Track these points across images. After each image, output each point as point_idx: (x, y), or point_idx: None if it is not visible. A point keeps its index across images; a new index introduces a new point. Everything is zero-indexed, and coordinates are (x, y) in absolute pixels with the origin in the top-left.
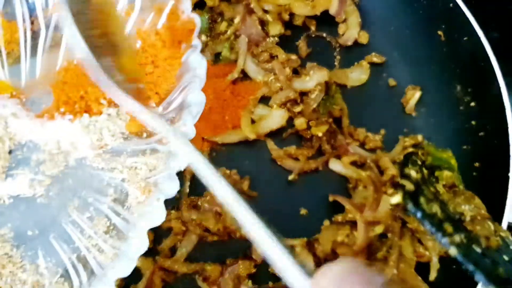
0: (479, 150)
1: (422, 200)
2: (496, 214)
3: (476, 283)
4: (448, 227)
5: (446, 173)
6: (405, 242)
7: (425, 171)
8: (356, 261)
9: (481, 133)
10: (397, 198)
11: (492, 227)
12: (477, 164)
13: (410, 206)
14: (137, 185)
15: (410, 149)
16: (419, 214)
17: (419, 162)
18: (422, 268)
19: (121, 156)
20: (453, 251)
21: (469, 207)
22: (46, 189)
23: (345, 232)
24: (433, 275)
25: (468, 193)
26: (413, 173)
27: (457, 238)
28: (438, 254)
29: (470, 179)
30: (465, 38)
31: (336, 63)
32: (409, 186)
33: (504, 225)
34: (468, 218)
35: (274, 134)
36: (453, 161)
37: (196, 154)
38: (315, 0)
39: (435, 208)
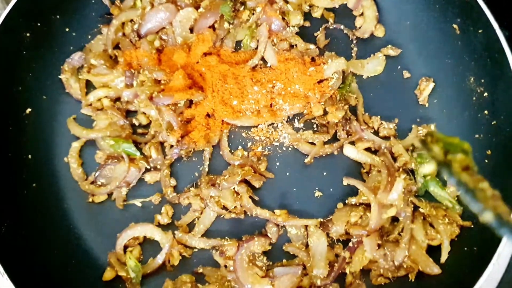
0: (491, 139)
1: (455, 168)
2: (508, 200)
3: (484, 267)
4: (480, 195)
5: (460, 156)
6: (416, 225)
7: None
8: None
9: (494, 122)
10: (431, 166)
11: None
12: (489, 152)
13: (445, 172)
14: None
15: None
16: (453, 181)
17: (431, 145)
18: (433, 251)
19: None
20: (488, 217)
21: (487, 185)
22: None
23: (358, 214)
24: (444, 257)
25: (479, 177)
26: (436, 148)
27: (491, 203)
28: (449, 237)
29: (482, 166)
30: (480, 31)
31: (353, 54)
32: (439, 156)
33: None
34: (489, 194)
35: (292, 119)
36: (466, 145)
37: None
38: None
39: (465, 178)
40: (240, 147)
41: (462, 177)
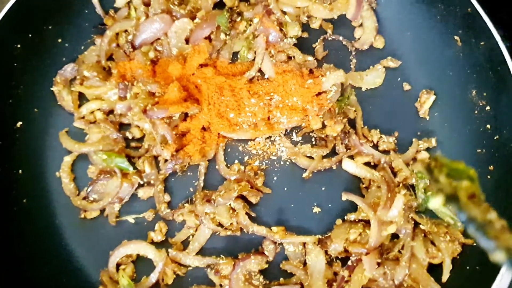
0: (493, 154)
1: (463, 203)
2: (511, 217)
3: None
4: (490, 231)
5: (466, 183)
6: (417, 243)
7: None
8: None
9: (496, 137)
10: (438, 201)
11: None
12: (491, 167)
13: (454, 208)
14: None
15: (424, 154)
16: (463, 217)
17: (436, 174)
18: (434, 270)
19: None
20: (499, 256)
21: (495, 216)
22: None
23: (357, 231)
24: (445, 276)
25: (485, 205)
26: (442, 178)
27: (504, 242)
28: (451, 256)
29: (485, 182)
30: (482, 43)
31: (352, 66)
32: (446, 188)
33: None
34: (498, 226)
35: (290, 132)
36: (472, 172)
37: None
38: (333, 3)
39: (472, 210)
40: (236, 161)
41: (469, 208)
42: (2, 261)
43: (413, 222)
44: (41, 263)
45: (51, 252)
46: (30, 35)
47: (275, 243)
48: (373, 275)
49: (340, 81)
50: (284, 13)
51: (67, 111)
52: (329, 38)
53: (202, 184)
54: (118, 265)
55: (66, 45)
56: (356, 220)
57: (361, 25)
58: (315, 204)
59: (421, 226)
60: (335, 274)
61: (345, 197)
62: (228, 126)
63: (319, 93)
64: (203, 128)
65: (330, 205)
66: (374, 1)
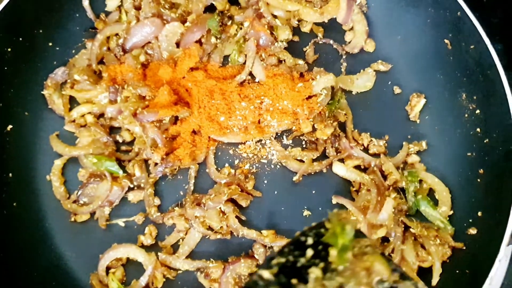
0: (483, 157)
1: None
2: (501, 221)
3: None
4: None
5: (332, 252)
6: (407, 246)
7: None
8: None
9: (486, 140)
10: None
11: None
12: (481, 171)
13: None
14: None
15: (415, 157)
16: None
17: (312, 240)
18: (424, 273)
19: None
20: None
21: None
22: None
23: None
24: (435, 280)
25: (360, 266)
26: (266, 274)
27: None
28: (441, 259)
29: (475, 185)
30: (472, 47)
31: (342, 70)
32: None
33: (508, 232)
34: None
35: (280, 136)
36: (343, 239)
37: None
38: (324, 7)
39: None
40: (227, 165)
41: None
42: None
43: (403, 226)
44: (31, 267)
45: (40, 256)
46: (20, 39)
47: (265, 246)
48: None
49: (331, 85)
50: (275, 16)
51: (57, 114)
52: (320, 42)
53: (192, 188)
54: (108, 269)
55: (57, 48)
56: None
57: (351, 28)
58: (305, 207)
59: (411, 229)
60: None
61: (335, 200)
62: (219, 129)
63: (310, 97)
64: (194, 132)
65: (320, 209)
66: (364, 5)
